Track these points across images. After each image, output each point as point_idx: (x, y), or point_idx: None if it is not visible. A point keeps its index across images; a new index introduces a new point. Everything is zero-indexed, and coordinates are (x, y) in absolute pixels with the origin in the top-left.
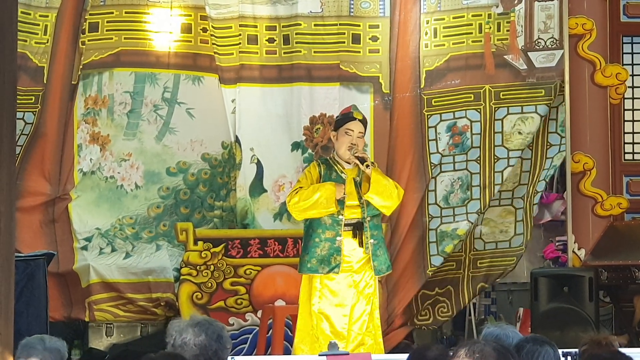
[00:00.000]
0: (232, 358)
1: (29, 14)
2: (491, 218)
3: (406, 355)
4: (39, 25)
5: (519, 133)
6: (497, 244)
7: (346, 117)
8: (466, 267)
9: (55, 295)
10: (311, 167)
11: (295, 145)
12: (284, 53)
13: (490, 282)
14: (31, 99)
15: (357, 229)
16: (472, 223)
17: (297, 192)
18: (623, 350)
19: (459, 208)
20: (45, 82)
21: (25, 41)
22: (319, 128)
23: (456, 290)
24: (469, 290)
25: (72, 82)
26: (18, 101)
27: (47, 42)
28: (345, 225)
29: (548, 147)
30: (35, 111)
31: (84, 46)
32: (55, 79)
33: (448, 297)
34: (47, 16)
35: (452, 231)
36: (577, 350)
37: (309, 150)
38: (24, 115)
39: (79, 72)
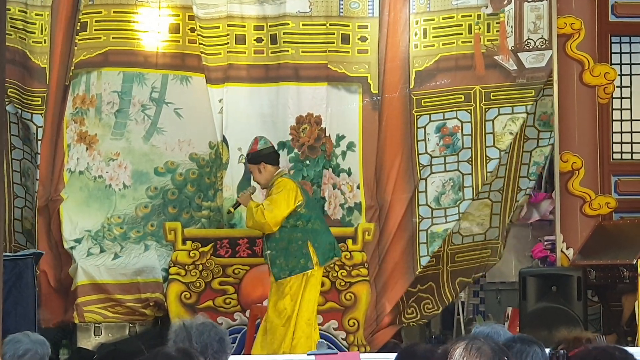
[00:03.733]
0: None
1: (25, 13)
2: (470, 212)
3: (394, 355)
4: (35, 24)
5: (510, 133)
6: (474, 237)
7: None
8: (444, 262)
9: (60, 300)
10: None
11: (282, 145)
12: (272, 53)
13: (469, 276)
14: (38, 101)
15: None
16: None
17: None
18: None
19: (451, 209)
20: (47, 83)
21: (24, 39)
22: (306, 128)
23: (437, 286)
24: (449, 285)
25: (65, 83)
26: (25, 101)
27: (45, 42)
28: None
29: (525, 140)
30: (43, 113)
31: (76, 47)
32: (53, 79)
33: (431, 294)
34: (42, 15)
35: (444, 232)
36: (562, 351)
37: (295, 150)
38: (32, 117)
39: (71, 73)
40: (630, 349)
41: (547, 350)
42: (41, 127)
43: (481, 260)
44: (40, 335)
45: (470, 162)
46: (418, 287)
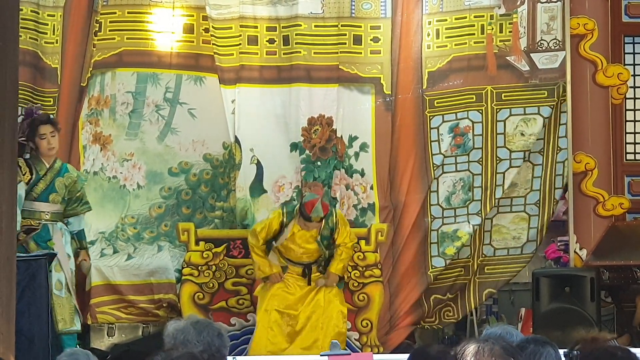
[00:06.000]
0: (233, 358)
1: (37, 13)
2: (503, 224)
3: (407, 356)
4: (47, 24)
5: (522, 134)
6: (509, 250)
7: (306, 216)
8: (473, 273)
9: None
10: (275, 217)
11: (294, 146)
12: (284, 54)
13: (498, 287)
14: (50, 101)
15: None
16: (473, 225)
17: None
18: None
19: (460, 209)
20: (59, 83)
21: (36, 40)
22: (317, 129)
23: (462, 295)
24: (475, 295)
25: (82, 84)
26: (36, 102)
27: (56, 43)
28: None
29: (558, 151)
30: (54, 113)
31: (94, 48)
32: (65, 80)
33: (454, 302)
34: (54, 15)
35: (453, 232)
36: (575, 351)
37: (307, 151)
38: None
39: (88, 74)
40: (634, 350)
41: (561, 351)
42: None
43: (512, 274)
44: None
45: (480, 163)
46: (447, 296)
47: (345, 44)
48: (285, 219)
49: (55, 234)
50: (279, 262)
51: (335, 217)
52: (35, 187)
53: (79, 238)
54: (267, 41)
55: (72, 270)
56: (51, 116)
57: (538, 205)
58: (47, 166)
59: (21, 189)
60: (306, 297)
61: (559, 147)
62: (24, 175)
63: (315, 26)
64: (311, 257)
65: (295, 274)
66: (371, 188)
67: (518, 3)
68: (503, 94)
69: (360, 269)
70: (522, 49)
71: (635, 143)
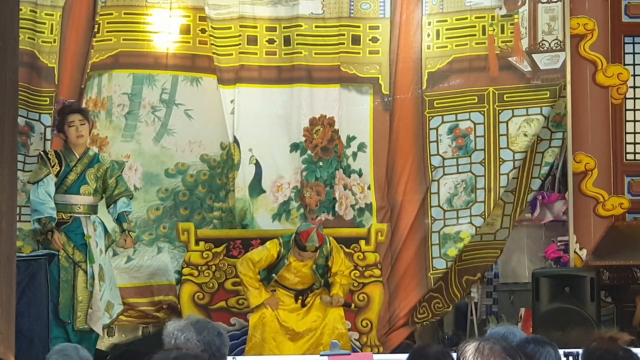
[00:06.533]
0: (233, 358)
1: (35, 12)
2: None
3: (407, 355)
4: (45, 24)
5: (525, 135)
6: (482, 236)
7: (301, 246)
8: (455, 261)
9: None
10: (272, 247)
11: (295, 147)
12: (285, 54)
13: (474, 274)
14: (46, 100)
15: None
16: (476, 226)
17: (250, 267)
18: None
19: (463, 211)
20: (56, 83)
21: (33, 39)
22: (319, 129)
23: (446, 285)
24: (456, 283)
25: (82, 87)
26: (32, 102)
27: (54, 42)
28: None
29: (538, 141)
30: (52, 113)
31: (93, 49)
32: (63, 80)
33: (440, 292)
34: (52, 15)
35: (455, 234)
36: (578, 350)
37: (308, 152)
38: (40, 117)
39: (86, 76)
40: (635, 350)
41: (561, 351)
42: (49, 126)
43: (488, 260)
44: (88, 353)
45: (483, 164)
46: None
47: (344, 44)
48: (282, 250)
49: (89, 227)
50: (271, 286)
51: (330, 244)
52: (66, 179)
53: (118, 222)
54: (266, 41)
55: (101, 266)
56: (82, 106)
57: (514, 192)
58: (78, 157)
59: (50, 182)
60: (299, 309)
61: (540, 137)
62: (52, 167)
63: (316, 26)
64: (305, 285)
65: (287, 296)
66: (368, 188)
67: (519, 3)
68: (505, 95)
69: (360, 269)
70: (524, 49)
71: (635, 143)
